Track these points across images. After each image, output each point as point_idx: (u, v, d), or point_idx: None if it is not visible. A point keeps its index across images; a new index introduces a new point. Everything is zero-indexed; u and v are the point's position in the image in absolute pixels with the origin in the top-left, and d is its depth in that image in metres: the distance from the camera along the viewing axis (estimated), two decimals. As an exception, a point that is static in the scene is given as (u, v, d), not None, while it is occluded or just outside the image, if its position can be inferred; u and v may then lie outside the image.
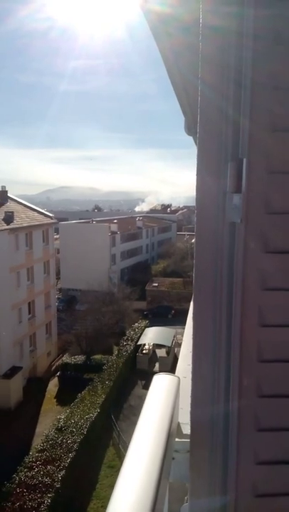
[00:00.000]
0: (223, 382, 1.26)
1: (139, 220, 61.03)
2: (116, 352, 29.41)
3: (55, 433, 18.82)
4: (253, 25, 1.08)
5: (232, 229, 1.20)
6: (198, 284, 1.27)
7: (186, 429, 1.58)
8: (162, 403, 1.46)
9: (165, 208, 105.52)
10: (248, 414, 1.22)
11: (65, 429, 19.00)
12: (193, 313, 1.30)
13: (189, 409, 1.37)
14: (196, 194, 1.23)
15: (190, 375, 1.34)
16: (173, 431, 1.44)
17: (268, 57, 1.09)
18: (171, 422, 1.35)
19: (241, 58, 1.11)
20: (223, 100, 1.16)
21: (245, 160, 1.12)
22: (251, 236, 1.14)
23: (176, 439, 1.59)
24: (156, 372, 1.82)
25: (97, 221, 55.45)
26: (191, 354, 1.33)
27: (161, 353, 30.68)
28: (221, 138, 1.18)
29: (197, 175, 1.22)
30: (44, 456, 17.10)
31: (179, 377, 1.71)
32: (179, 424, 1.67)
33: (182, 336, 3.36)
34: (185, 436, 1.59)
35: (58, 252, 45.36)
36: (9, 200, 30.67)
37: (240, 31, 1.10)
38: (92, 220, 56.14)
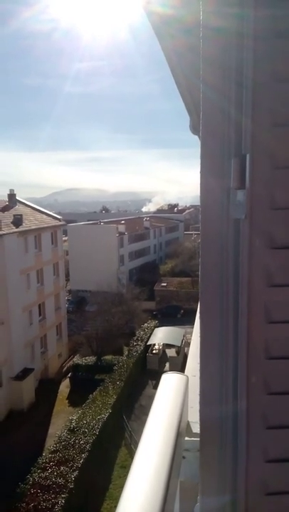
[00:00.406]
0: (231, 380, 1.26)
1: (146, 220, 61.02)
2: (126, 352, 29.46)
3: (68, 434, 18.91)
4: (253, 26, 1.08)
5: (237, 226, 1.20)
6: (204, 282, 1.27)
7: (196, 428, 1.57)
8: (171, 402, 1.46)
9: (172, 207, 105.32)
10: (257, 411, 1.21)
11: (77, 430, 19.09)
12: (200, 312, 1.30)
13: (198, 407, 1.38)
14: (200, 192, 1.23)
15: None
16: (182, 430, 1.44)
17: (268, 56, 1.09)
18: (180, 420, 1.35)
19: (242, 58, 1.12)
20: (225, 99, 1.16)
21: (248, 156, 1.12)
22: (256, 232, 1.14)
23: (186, 438, 1.59)
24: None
25: (105, 222, 55.58)
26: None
27: (171, 352, 30.64)
28: (224, 135, 1.18)
29: (201, 173, 1.22)
30: (57, 457, 17.20)
31: (187, 376, 1.71)
32: (188, 423, 1.67)
33: (191, 335, 3.35)
34: (195, 435, 1.59)
35: (67, 254, 45.56)
36: (18, 203, 30.93)
37: (240, 32, 1.11)
38: (100, 222, 56.30)
